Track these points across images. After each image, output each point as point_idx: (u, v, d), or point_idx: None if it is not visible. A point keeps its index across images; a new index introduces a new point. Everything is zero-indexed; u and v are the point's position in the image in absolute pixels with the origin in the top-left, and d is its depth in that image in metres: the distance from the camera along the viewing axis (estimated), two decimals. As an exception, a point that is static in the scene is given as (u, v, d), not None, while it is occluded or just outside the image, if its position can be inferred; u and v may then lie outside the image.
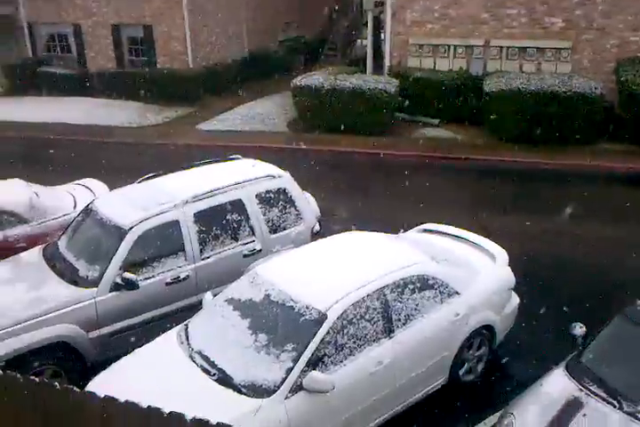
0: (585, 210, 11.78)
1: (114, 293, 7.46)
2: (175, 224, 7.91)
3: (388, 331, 6.47)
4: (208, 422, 4.15)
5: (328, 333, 6.03)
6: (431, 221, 9.00)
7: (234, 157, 9.72)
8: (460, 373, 7.31)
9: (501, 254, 8.02)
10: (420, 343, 6.64)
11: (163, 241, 7.89)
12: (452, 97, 17.33)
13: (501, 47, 17.93)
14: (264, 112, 20.10)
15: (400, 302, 6.61)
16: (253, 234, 8.47)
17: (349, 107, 16.93)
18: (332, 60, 25.03)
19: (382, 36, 20.57)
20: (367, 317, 6.34)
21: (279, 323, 6.27)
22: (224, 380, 5.91)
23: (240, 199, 8.38)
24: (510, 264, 7.91)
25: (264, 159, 9.57)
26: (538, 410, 5.79)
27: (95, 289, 7.40)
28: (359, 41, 26.45)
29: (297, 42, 26.47)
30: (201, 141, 17.30)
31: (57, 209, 9.90)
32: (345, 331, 6.16)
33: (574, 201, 12.08)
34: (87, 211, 8.48)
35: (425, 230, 8.79)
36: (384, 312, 6.47)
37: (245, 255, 8.35)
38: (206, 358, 6.18)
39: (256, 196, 8.53)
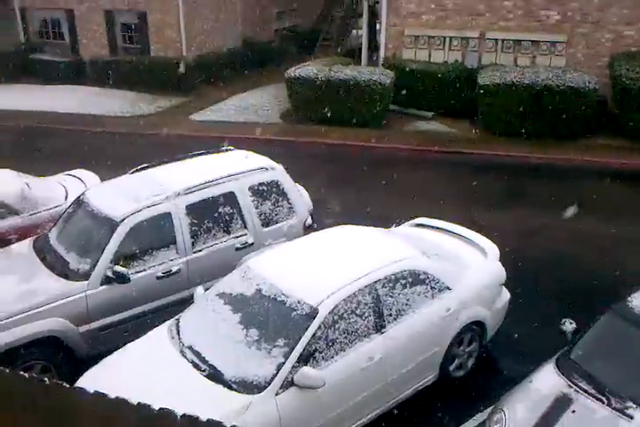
0: (576, 205, 11.81)
1: (105, 286, 7.42)
2: (167, 216, 7.86)
3: (380, 326, 6.47)
4: (198, 418, 4.14)
5: (319, 328, 6.02)
6: (423, 216, 8.99)
7: (226, 148, 9.67)
8: (451, 368, 7.33)
9: (492, 249, 8.02)
10: (411, 339, 6.64)
11: (154, 234, 7.85)
12: (446, 90, 17.26)
13: (497, 40, 17.84)
14: (258, 103, 20.01)
15: (391, 297, 6.60)
16: (246, 227, 8.45)
17: (344, 98, 16.85)
18: (326, 50, 24.88)
19: (377, 26, 20.46)
20: (358, 312, 6.33)
21: (270, 318, 6.25)
22: (214, 376, 5.90)
23: (232, 192, 8.34)
24: (501, 259, 7.92)
25: (256, 151, 9.53)
26: (528, 406, 5.83)
27: (86, 282, 7.35)
28: (354, 31, 26.31)
29: (292, 31, 26.32)
30: (194, 132, 17.20)
31: (48, 200, 9.81)
32: (336, 326, 6.15)
33: (565, 196, 12.11)
34: (78, 202, 8.41)
35: (417, 225, 8.78)
36: (375, 307, 6.46)
37: (237, 249, 8.32)
38: (197, 354, 6.16)
39: (249, 188, 8.49)
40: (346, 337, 6.22)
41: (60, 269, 7.59)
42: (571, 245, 10.58)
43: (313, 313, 6.06)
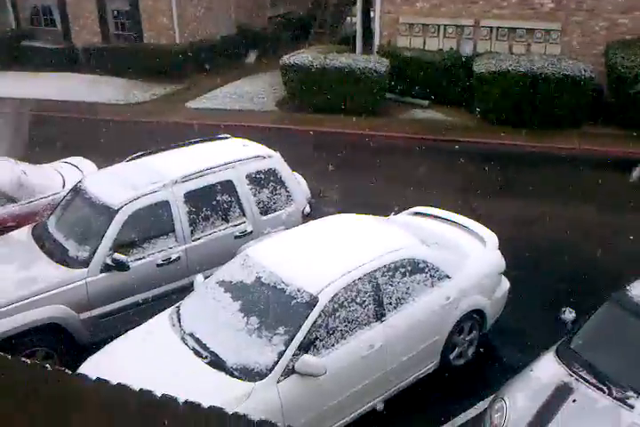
0: (569, 193, 11.89)
1: (104, 274, 7.42)
2: (165, 204, 7.86)
3: (380, 314, 6.49)
4: (200, 405, 4.15)
5: (320, 316, 6.03)
6: (420, 204, 9.00)
7: (223, 136, 9.63)
8: (451, 357, 7.35)
9: (491, 238, 8.03)
10: (411, 327, 6.66)
11: (153, 221, 7.86)
12: (441, 77, 17.17)
13: (491, 28, 17.74)
14: (253, 90, 19.91)
15: (391, 286, 6.62)
16: (244, 215, 8.44)
17: (339, 86, 16.76)
18: (321, 37, 24.74)
19: (372, 14, 20.35)
20: (358, 300, 6.35)
21: (270, 306, 6.26)
22: (216, 363, 5.91)
23: (230, 180, 8.32)
24: (500, 248, 7.94)
25: (252, 139, 9.51)
26: (528, 395, 5.84)
27: (86, 270, 7.35)
28: (349, 19, 26.17)
29: (286, 18, 26.16)
30: (189, 120, 17.09)
31: (46, 188, 9.77)
32: (336, 314, 6.17)
33: (561, 184, 12.14)
34: (76, 190, 8.39)
35: (415, 213, 8.79)
36: (375, 296, 6.47)
37: (236, 237, 8.32)
38: (198, 341, 6.17)
39: (246, 176, 8.47)
40: (346, 325, 6.24)
41: (59, 256, 7.58)
42: (569, 231, 10.57)
43: (313, 301, 6.07)
